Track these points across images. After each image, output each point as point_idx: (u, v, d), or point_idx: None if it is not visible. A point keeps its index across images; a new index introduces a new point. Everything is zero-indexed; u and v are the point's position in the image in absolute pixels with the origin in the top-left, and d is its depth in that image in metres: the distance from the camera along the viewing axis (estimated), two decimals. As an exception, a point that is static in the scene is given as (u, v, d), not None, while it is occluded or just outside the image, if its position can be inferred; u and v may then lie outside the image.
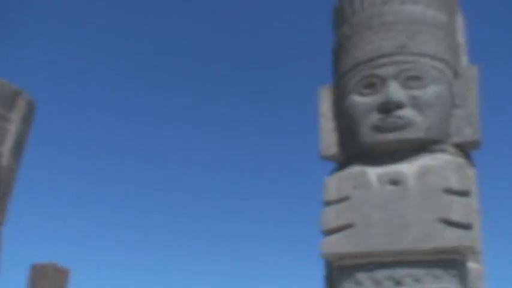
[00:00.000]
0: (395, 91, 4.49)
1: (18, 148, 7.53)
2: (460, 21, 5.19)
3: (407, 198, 4.30)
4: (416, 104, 4.50)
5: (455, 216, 4.12)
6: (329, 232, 4.43)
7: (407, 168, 4.45)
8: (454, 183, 4.24)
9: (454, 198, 4.19)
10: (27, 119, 7.74)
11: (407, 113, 4.49)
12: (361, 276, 4.26)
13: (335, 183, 4.59)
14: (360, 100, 4.69)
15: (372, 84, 4.64)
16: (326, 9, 5.61)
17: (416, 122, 4.47)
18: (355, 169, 4.62)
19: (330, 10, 5.46)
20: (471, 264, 4.21)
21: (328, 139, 5.01)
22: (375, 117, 4.57)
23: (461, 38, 5.11)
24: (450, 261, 4.09)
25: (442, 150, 4.55)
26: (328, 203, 4.54)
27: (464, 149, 4.65)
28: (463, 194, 4.22)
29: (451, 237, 4.07)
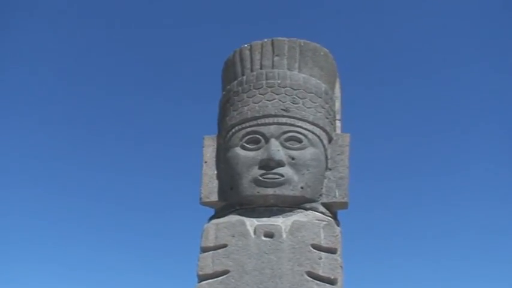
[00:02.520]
0: (277, 150, 4.84)
1: None
2: (338, 88, 5.74)
3: (280, 250, 4.61)
4: (294, 164, 4.88)
5: (322, 271, 4.51)
6: (205, 277, 4.59)
7: (282, 222, 4.78)
8: (323, 240, 4.65)
9: (322, 254, 4.58)
10: None
11: (285, 171, 4.85)
12: None
13: (214, 231, 4.79)
14: (243, 154, 4.98)
15: (255, 141, 4.96)
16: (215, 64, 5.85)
17: (293, 181, 4.84)
18: (234, 218, 4.85)
19: (220, 66, 5.72)
20: None
21: (209, 186, 5.19)
22: (256, 172, 4.87)
23: (338, 104, 5.64)
24: None
25: (314, 209, 4.95)
26: (205, 249, 4.71)
27: (333, 209, 5.08)
28: (330, 251, 4.63)
29: None
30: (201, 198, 5.19)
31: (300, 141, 4.95)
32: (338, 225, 4.99)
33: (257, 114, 5.02)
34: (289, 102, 5.02)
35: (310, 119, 5.03)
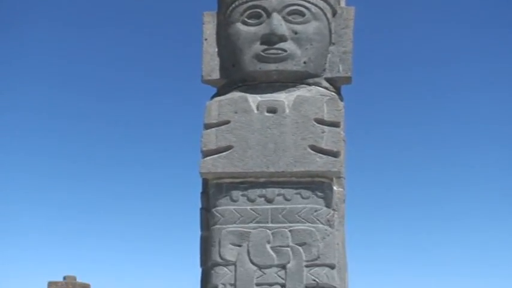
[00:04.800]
0: (279, 24, 4.68)
1: None
2: None
3: (283, 125, 4.60)
4: (297, 39, 4.75)
5: (324, 145, 4.52)
6: (208, 153, 4.62)
7: (284, 98, 4.72)
8: (326, 114, 4.62)
9: (325, 128, 4.57)
10: None
11: (288, 46, 4.72)
12: (236, 193, 4.54)
13: (217, 107, 4.75)
14: (244, 29, 4.83)
15: (257, 15, 4.79)
16: None
17: (296, 56, 4.73)
18: (237, 95, 4.80)
19: None
20: (336, 188, 4.67)
21: (210, 64, 5.09)
22: (258, 48, 4.75)
23: None
24: (318, 184, 4.50)
25: (317, 84, 4.88)
26: (209, 126, 4.70)
27: (336, 84, 5.01)
28: (333, 124, 4.61)
29: (320, 163, 4.47)
30: (202, 77, 5.10)
31: (303, 14, 4.77)
32: (341, 100, 4.94)
33: None
34: None
35: None
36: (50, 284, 12.24)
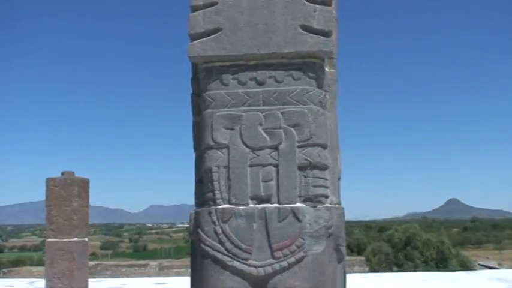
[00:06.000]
0: None
1: None
2: None
3: (272, 4, 4.45)
4: None
5: (316, 24, 4.38)
6: (196, 36, 4.49)
7: None
8: None
9: (317, 6, 4.42)
10: None
11: None
12: (227, 77, 4.47)
13: None
14: None
15: None
16: None
17: None
18: None
19: None
20: (327, 69, 4.60)
21: None
22: None
23: None
24: (310, 65, 4.42)
25: None
26: (195, 8, 4.54)
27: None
28: (325, 3, 4.45)
29: (312, 43, 4.36)
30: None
31: None
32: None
33: None
34: None
35: None
36: (49, 180, 12.39)
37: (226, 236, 4.24)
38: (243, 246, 4.19)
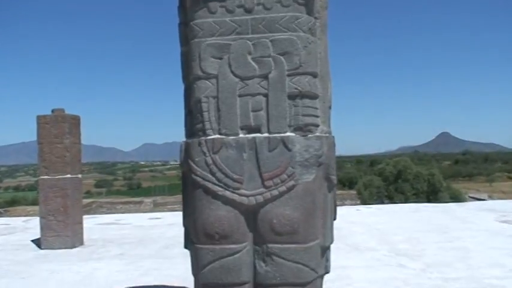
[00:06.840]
0: None
1: None
2: None
3: None
4: None
5: None
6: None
7: None
8: None
9: None
10: None
11: None
12: (214, 4, 4.34)
13: None
14: None
15: None
16: None
17: None
18: None
19: None
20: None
21: None
22: None
23: None
24: None
25: None
26: None
27: None
28: None
29: None
30: None
31: None
32: None
33: None
34: None
35: None
36: (39, 117, 12.26)
37: (216, 166, 4.24)
38: (234, 176, 4.20)
